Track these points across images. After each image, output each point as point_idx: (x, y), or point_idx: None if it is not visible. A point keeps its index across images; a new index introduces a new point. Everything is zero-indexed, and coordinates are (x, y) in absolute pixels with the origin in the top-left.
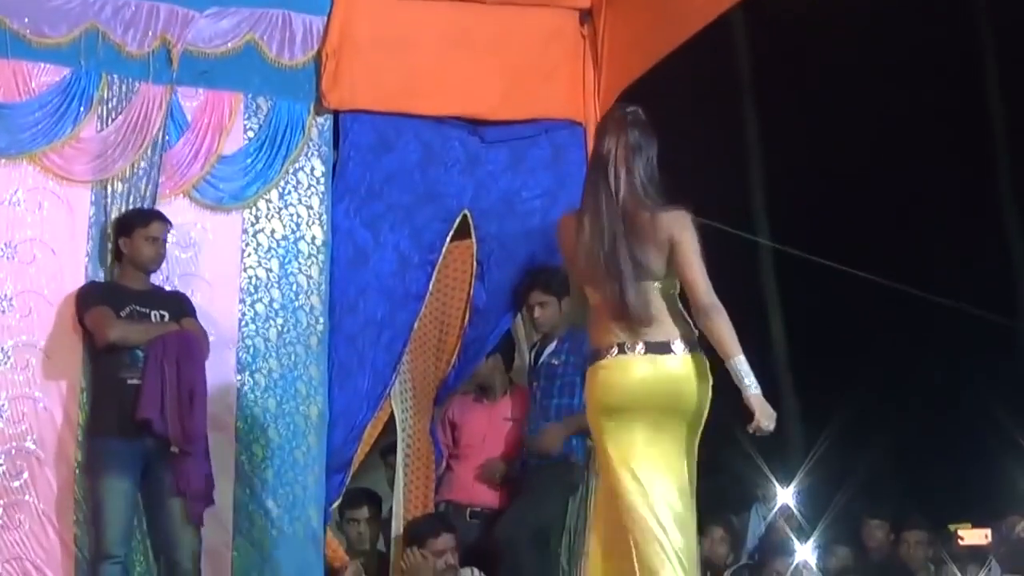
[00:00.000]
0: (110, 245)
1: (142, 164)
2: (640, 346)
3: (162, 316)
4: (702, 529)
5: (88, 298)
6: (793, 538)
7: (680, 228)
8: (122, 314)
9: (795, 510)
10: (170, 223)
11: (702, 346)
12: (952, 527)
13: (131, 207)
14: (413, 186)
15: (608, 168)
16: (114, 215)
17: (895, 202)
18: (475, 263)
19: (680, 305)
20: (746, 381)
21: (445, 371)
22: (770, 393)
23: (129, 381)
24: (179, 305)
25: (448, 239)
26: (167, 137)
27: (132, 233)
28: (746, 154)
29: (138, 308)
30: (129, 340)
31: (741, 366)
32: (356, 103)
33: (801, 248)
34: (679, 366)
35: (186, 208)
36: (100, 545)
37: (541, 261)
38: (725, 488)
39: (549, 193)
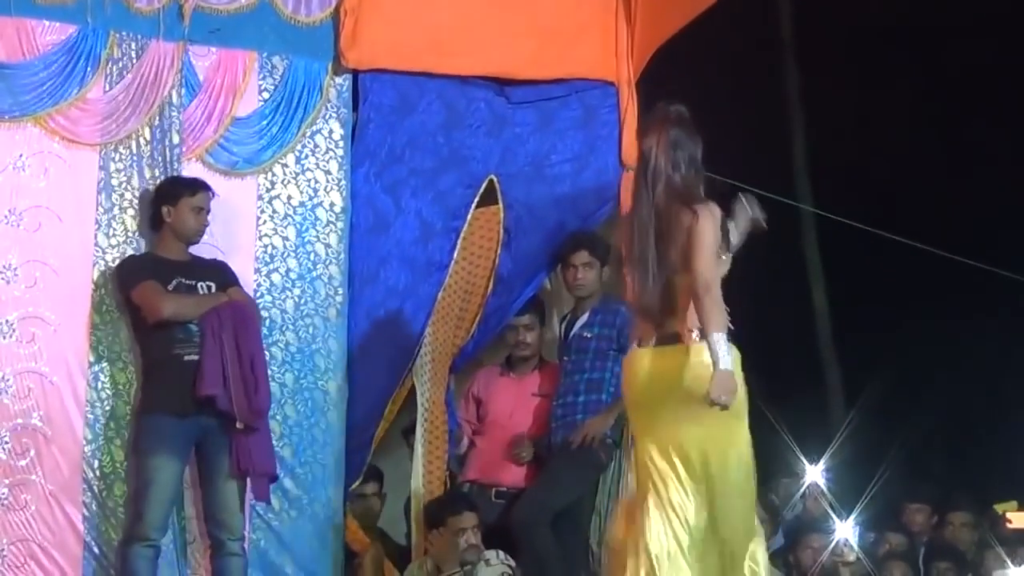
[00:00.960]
0: (145, 213)
1: (155, 125)
2: (653, 339)
3: (209, 287)
4: None
5: (133, 273)
6: (833, 515)
7: (700, 218)
8: (169, 287)
9: (824, 489)
10: (215, 193)
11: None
12: (999, 508)
13: (144, 173)
14: (436, 149)
15: (647, 167)
16: (125, 181)
17: (944, 165)
18: (501, 230)
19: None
20: (720, 354)
21: (464, 339)
22: (811, 363)
23: (185, 357)
24: (222, 274)
25: (473, 205)
26: (180, 98)
27: (178, 202)
28: (787, 115)
29: (184, 280)
30: (183, 314)
31: (718, 344)
32: (376, 62)
33: (844, 213)
34: (683, 354)
35: (198, 173)
36: (137, 527)
37: (571, 228)
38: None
39: (579, 157)
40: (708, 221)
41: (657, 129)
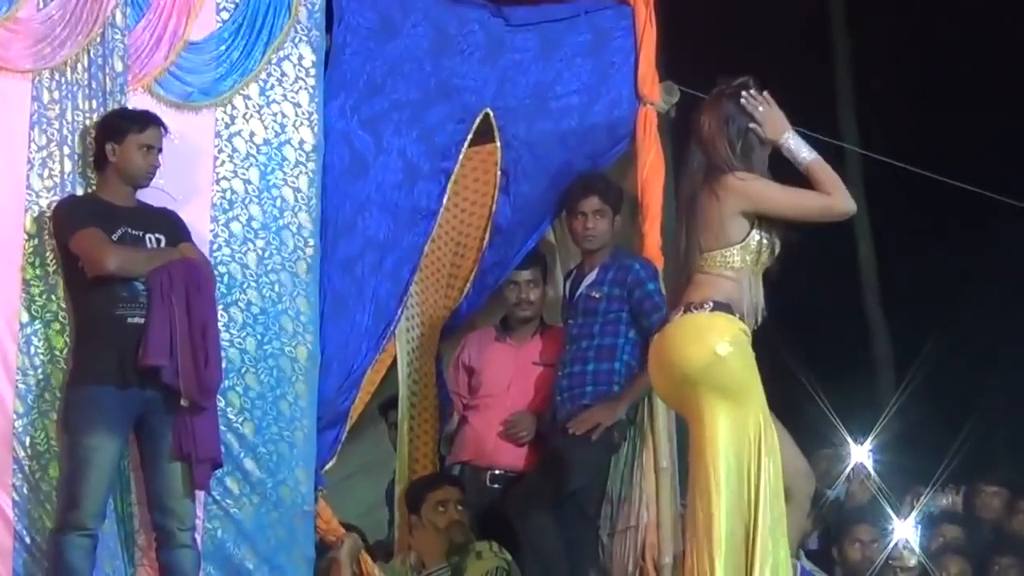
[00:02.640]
0: (86, 152)
1: (96, 50)
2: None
3: (158, 240)
4: None
5: (73, 217)
6: (885, 504)
7: (752, 191)
8: (114, 237)
9: (872, 471)
10: (167, 128)
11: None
12: None
13: (82, 105)
14: (423, 79)
15: (693, 145)
16: (61, 114)
17: (1009, 102)
18: (498, 172)
19: (733, 273)
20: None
21: (457, 300)
22: (856, 329)
23: (129, 320)
24: (173, 227)
25: (466, 144)
26: (124, 19)
27: (124, 139)
28: (830, 40)
29: (131, 230)
30: (130, 270)
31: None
32: None
33: (894, 155)
34: (676, 327)
35: (147, 105)
36: (71, 514)
37: (578, 170)
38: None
39: (589, 88)
40: (759, 184)
41: (710, 105)
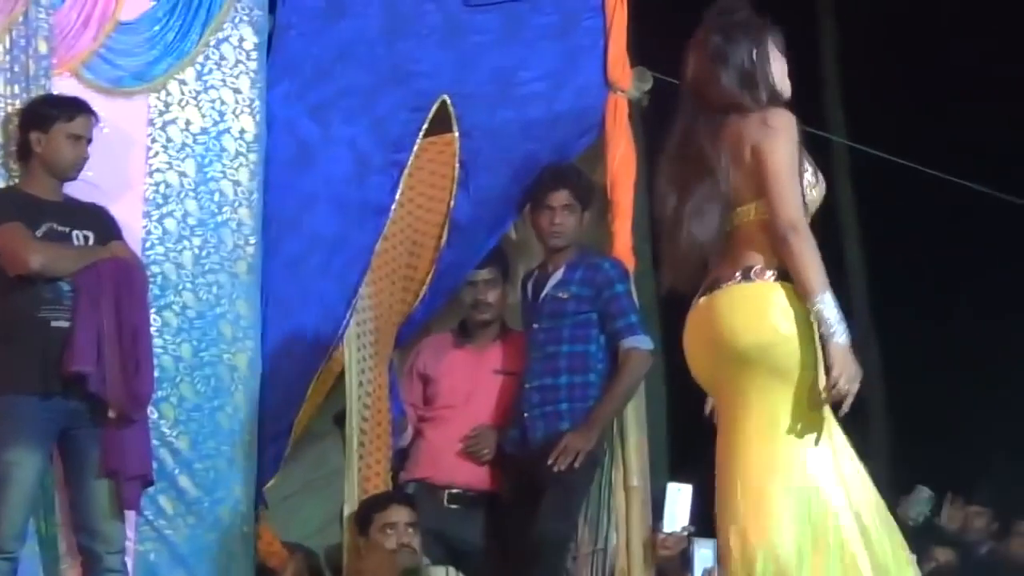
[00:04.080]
0: (10, 139)
1: (18, 31)
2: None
3: (86, 238)
4: None
5: None
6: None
7: (766, 129)
8: (38, 233)
9: None
10: (96, 116)
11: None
12: None
13: (6, 89)
14: (375, 63)
15: (685, 86)
16: None
17: (998, 95)
18: (456, 165)
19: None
20: (833, 321)
21: (412, 305)
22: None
23: (53, 323)
24: (103, 223)
25: (421, 134)
26: None
27: (50, 128)
28: (818, 28)
29: (57, 226)
30: (55, 269)
31: (825, 307)
32: None
33: (885, 148)
34: (730, 296)
35: (74, 91)
36: None
37: (543, 162)
38: None
39: (555, 74)
40: (778, 132)
41: (694, 49)
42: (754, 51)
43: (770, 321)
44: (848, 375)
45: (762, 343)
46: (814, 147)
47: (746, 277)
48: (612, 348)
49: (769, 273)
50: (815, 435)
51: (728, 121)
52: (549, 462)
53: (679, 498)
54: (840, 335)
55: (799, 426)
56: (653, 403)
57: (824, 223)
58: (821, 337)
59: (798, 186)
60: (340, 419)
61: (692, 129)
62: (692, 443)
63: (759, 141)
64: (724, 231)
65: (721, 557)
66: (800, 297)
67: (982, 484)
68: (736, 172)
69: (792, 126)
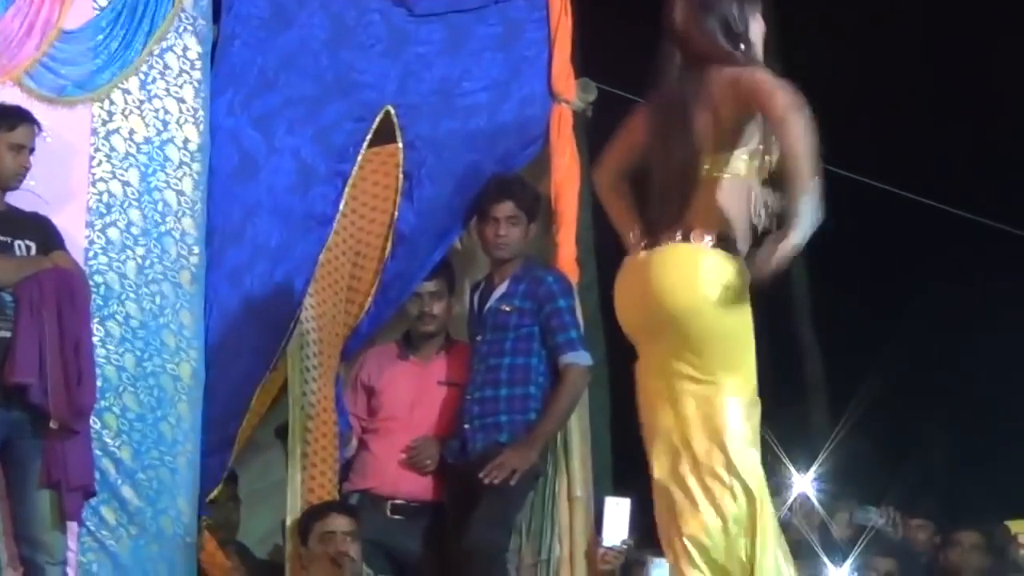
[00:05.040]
0: None
1: None
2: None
3: (28, 248)
4: None
5: None
6: (813, 539)
7: (750, 73)
8: None
9: (815, 502)
10: (39, 125)
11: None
12: (1013, 527)
13: None
14: (319, 73)
15: (669, 36)
16: None
17: (959, 107)
18: (400, 176)
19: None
20: (802, 219)
21: (357, 317)
22: (788, 353)
23: None
24: (45, 233)
25: (365, 144)
26: None
27: None
28: (767, 43)
29: None
30: None
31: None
32: None
33: (830, 162)
34: (666, 255)
35: (16, 100)
36: None
37: (488, 173)
38: None
39: (499, 84)
40: (768, 80)
41: None
42: (737, 5)
43: (700, 286)
44: (773, 265)
45: (691, 306)
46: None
47: (685, 239)
48: (552, 362)
49: (708, 238)
50: (746, 395)
51: (706, 72)
52: (481, 475)
53: (617, 512)
54: (800, 233)
55: (731, 385)
56: (597, 414)
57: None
58: (786, 223)
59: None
60: (283, 432)
61: (672, 77)
62: (635, 455)
63: (748, 86)
64: (687, 177)
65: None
66: (734, 263)
67: (924, 497)
68: (704, 124)
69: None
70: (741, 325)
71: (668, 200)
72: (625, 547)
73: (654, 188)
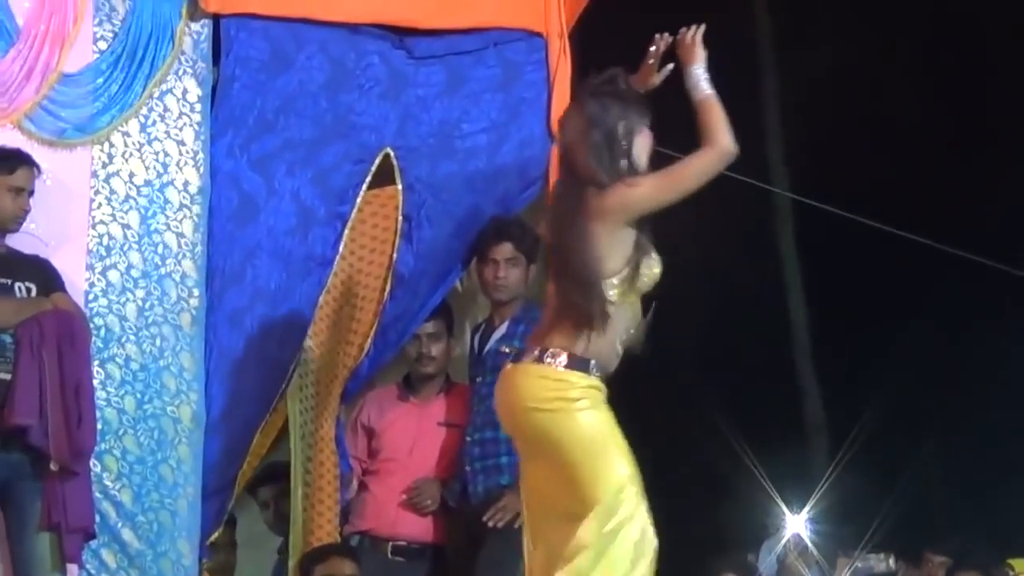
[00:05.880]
0: None
1: None
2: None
3: (28, 290)
4: None
5: None
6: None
7: (636, 196)
8: None
9: (809, 543)
10: (38, 168)
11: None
12: (1016, 564)
13: None
14: (318, 116)
15: (562, 154)
16: None
17: (949, 143)
18: (400, 218)
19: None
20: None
21: (357, 358)
22: (786, 385)
23: None
24: (45, 275)
25: (364, 186)
26: None
27: None
28: (759, 87)
29: None
30: None
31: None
32: (243, 4)
33: (826, 200)
34: (523, 374)
35: (16, 142)
36: None
37: (487, 215)
38: (732, 519)
39: (498, 126)
40: (622, 192)
41: (566, 119)
42: (623, 122)
43: (550, 404)
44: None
45: (544, 421)
46: (757, 200)
47: (540, 359)
48: None
49: (561, 359)
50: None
51: (585, 194)
52: (485, 518)
53: None
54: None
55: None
56: None
57: (768, 277)
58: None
59: (680, 166)
60: (252, 485)
61: (559, 194)
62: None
63: (622, 199)
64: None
65: None
66: (584, 382)
67: (934, 534)
68: (572, 247)
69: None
70: (586, 438)
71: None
72: None
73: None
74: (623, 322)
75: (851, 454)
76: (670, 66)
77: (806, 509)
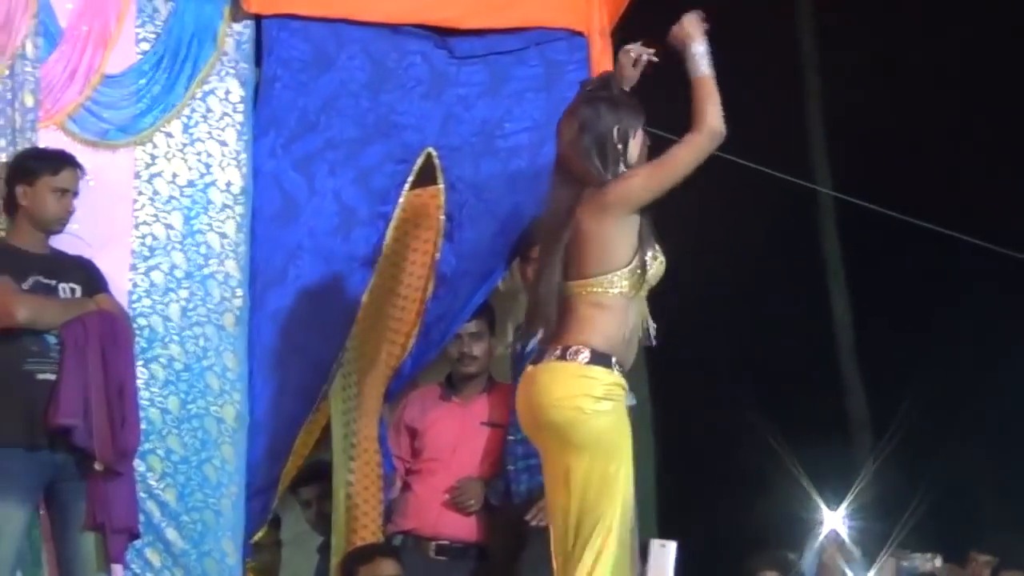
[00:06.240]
0: None
1: (5, 84)
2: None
3: (73, 291)
4: None
5: None
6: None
7: (630, 188)
8: (24, 286)
9: (847, 539)
10: (83, 169)
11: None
12: None
13: None
14: (360, 116)
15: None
16: None
17: (988, 143)
18: (442, 217)
19: (618, 301)
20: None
21: (400, 358)
22: (830, 382)
23: (39, 376)
24: (89, 276)
25: (407, 185)
26: (36, 50)
27: (36, 181)
28: (801, 76)
29: (43, 279)
30: (41, 321)
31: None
32: (285, 5)
33: (870, 199)
34: (547, 372)
35: (60, 144)
36: None
37: (529, 214)
38: (772, 517)
39: (540, 126)
40: (627, 182)
41: (561, 127)
42: (617, 126)
43: (576, 401)
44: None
45: (568, 419)
46: (801, 198)
47: (563, 356)
48: None
49: (584, 355)
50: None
51: (583, 197)
52: (528, 517)
53: (663, 554)
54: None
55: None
56: (641, 457)
57: (811, 274)
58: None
59: (671, 155)
60: (293, 485)
61: (556, 197)
62: (681, 498)
63: (620, 192)
64: (560, 297)
65: None
66: (608, 376)
67: (986, 534)
68: (577, 246)
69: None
70: (616, 432)
71: (548, 316)
72: None
73: (538, 297)
74: (634, 316)
75: (891, 450)
76: (645, 58)
77: (843, 506)
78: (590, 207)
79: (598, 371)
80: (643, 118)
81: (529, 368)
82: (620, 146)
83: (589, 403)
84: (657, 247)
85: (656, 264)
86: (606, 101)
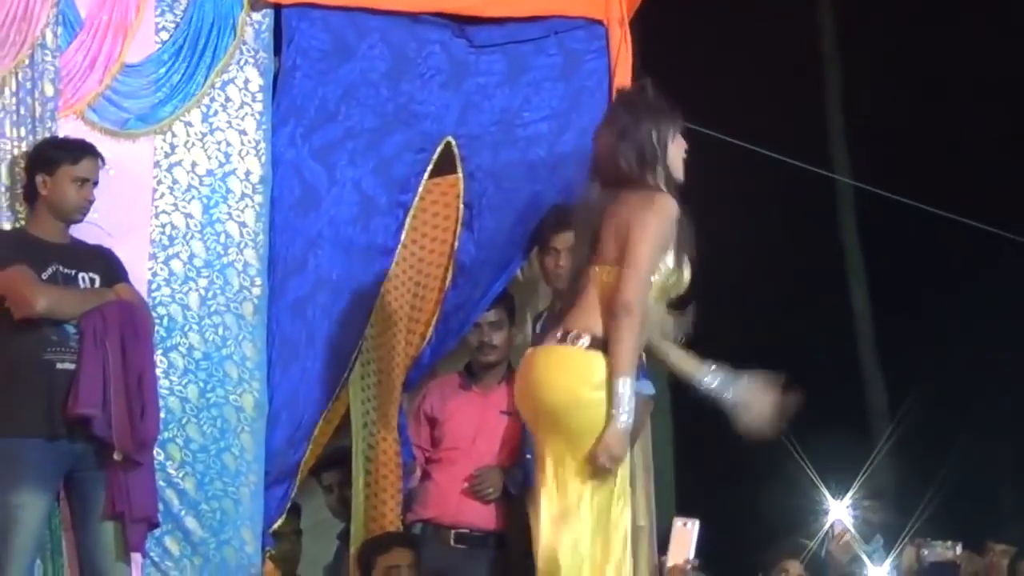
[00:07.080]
0: (16, 181)
1: (24, 73)
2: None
3: (92, 280)
4: (771, 565)
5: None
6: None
7: (640, 210)
8: (44, 276)
9: (851, 530)
10: (102, 158)
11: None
12: None
13: (13, 131)
14: (380, 105)
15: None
16: None
17: (1007, 134)
18: (461, 206)
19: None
20: (620, 407)
21: (419, 347)
22: (849, 370)
23: (59, 365)
24: (109, 266)
25: (426, 175)
26: (56, 39)
27: (56, 171)
28: (820, 64)
29: (63, 269)
30: (61, 311)
31: (620, 392)
32: None
33: (890, 187)
34: (546, 356)
35: (79, 133)
36: None
37: (548, 203)
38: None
39: (559, 114)
40: (655, 215)
41: (602, 127)
42: (655, 132)
43: (573, 386)
44: (611, 455)
45: (564, 403)
46: (819, 188)
47: (563, 340)
48: None
49: (584, 340)
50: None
51: (620, 194)
52: None
53: (685, 532)
54: (622, 418)
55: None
56: (660, 442)
57: (830, 264)
58: (607, 411)
59: (650, 271)
60: (316, 469)
61: (589, 198)
62: (698, 483)
63: (636, 216)
64: (576, 281)
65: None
66: (606, 361)
67: (1004, 524)
68: (608, 235)
69: (671, 214)
70: (591, 435)
71: (561, 299)
72: (690, 567)
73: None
74: (650, 323)
75: (909, 439)
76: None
77: (848, 494)
78: (630, 201)
79: (597, 357)
80: (680, 121)
81: (529, 350)
82: (659, 152)
83: (587, 390)
84: (686, 259)
85: (681, 276)
86: (644, 107)
